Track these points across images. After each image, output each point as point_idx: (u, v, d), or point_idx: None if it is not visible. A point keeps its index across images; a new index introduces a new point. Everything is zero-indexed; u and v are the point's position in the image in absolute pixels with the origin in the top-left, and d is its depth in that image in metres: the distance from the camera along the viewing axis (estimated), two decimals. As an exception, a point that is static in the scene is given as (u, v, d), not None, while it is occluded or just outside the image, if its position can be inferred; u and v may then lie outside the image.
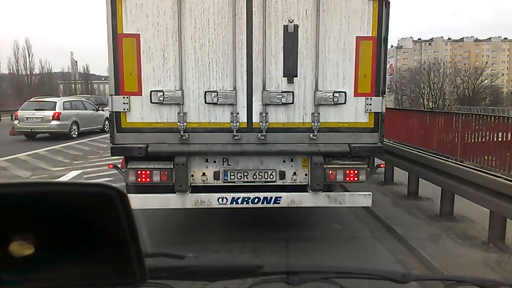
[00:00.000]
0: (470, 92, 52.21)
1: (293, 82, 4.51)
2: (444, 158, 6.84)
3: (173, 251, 1.06)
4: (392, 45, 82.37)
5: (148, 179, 4.58)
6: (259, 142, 4.57)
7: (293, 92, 4.51)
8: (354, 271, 1.21)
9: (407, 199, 7.04)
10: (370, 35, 4.47)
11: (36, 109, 16.04)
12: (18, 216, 0.71)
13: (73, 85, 48.64)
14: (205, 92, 4.47)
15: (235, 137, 4.56)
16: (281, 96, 4.51)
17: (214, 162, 4.72)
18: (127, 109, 4.48)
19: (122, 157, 4.69)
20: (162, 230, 5.14)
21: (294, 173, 4.77)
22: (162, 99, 4.44)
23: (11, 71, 55.04)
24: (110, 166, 4.95)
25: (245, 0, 4.38)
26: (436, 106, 50.59)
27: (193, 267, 1.15)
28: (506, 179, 4.89)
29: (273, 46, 4.45)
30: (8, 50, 68.38)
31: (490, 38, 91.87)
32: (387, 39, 4.53)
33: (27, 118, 15.80)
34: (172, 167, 4.56)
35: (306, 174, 4.76)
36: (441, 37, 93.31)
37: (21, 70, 54.93)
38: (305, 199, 4.73)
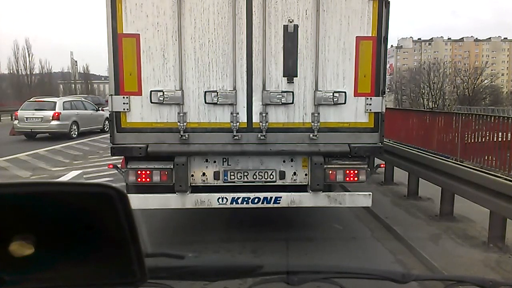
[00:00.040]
0: (470, 92, 52.22)
1: (293, 82, 4.51)
2: (444, 158, 6.84)
3: (173, 251, 1.06)
4: (392, 45, 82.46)
5: (148, 179, 4.58)
6: (259, 142, 4.57)
7: (293, 92, 4.51)
8: (354, 271, 1.21)
9: (407, 199, 7.04)
10: (370, 35, 4.47)
11: (36, 109, 16.04)
12: (18, 216, 0.71)
13: (73, 85, 48.65)
14: (205, 92, 4.47)
15: (235, 137, 4.56)
16: (281, 96, 4.51)
17: (214, 162, 4.72)
18: (127, 109, 4.48)
19: (122, 157, 4.69)
20: (162, 230, 5.14)
21: (294, 173, 4.77)
22: (162, 99, 4.44)
23: (11, 71, 55.10)
24: (110, 166, 4.95)
25: (245, 0, 4.38)
26: (436, 106, 50.60)
27: (193, 267, 1.15)
28: (506, 179, 4.89)
29: (273, 46, 4.45)
30: (8, 50, 68.39)
31: (490, 38, 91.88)
32: (387, 39, 4.53)
33: (27, 118, 15.80)
34: (172, 167, 4.56)
35: (306, 174, 4.76)
36: (441, 37, 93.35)
37: (21, 70, 54.98)
38: (305, 199, 4.73)
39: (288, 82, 4.51)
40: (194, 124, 4.54)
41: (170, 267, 1.07)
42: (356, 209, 6.06)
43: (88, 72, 66.92)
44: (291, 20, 4.40)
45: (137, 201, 4.39)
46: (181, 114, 4.49)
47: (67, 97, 19.88)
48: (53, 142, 14.59)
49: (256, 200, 4.63)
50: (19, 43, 72.31)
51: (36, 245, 0.70)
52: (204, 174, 4.73)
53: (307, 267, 1.28)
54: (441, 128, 10.74)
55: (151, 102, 4.45)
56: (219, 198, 4.62)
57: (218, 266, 1.26)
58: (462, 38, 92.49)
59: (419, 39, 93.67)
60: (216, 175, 4.72)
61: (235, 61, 4.45)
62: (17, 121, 16.07)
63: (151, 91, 4.43)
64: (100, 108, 18.84)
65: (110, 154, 4.66)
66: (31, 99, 17.96)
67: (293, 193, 4.70)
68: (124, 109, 4.47)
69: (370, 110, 4.60)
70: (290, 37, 4.42)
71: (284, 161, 4.75)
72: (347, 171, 4.66)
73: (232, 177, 4.72)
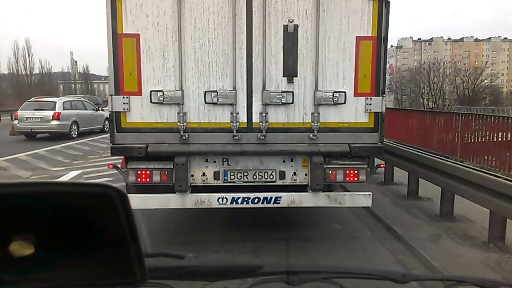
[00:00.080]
0: (470, 92, 52.24)
1: (293, 82, 4.51)
2: (444, 158, 6.84)
3: (173, 251, 1.06)
4: (392, 45, 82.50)
5: (148, 179, 4.58)
6: (259, 142, 4.57)
7: (293, 92, 4.51)
8: (354, 271, 1.20)
9: (407, 199, 7.04)
10: (370, 35, 4.47)
11: (36, 109, 16.04)
12: (18, 216, 0.71)
13: (73, 85, 48.65)
14: (205, 92, 4.47)
15: (235, 137, 4.56)
16: (281, 96, 4.51)
17: (214, 162, 4.72)
18: (127, 109, 4.47)
19: (122, 157, 4.69)
20: (162, 230, 5.14)
21: (294, 173, 4.77)
22: (162, 99, 4.44)
23: (11, 71, 55.14)
24: (110, 166, 4.95)
25: (245, 0, 4.38)
26: (436, 106, 50.62)
27: (193, 267, 1.15)
28: (506, 179, 4.89)
29: (273, 46, 4.45)
30: (8, 50, 68.46)
31: (490, 38, 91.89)
32: (387, 39, 4.53)
33: (27, 118, 15.80)
34: (172, 167, 4.56)
35: (306, 174, 4.76)
36: (441, 37, 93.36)
37: (21, 70, 55.02)
38: (305, 199, 4.73)
39: (288, 82, 4.51)
40: (194, 124, 4.54)
41: (170, 267, 1.07)
42: (356, 209, 6.06)
43: (88, 72, 67.03)
44: (291, 20, 4.40)
45: (137, 201, 4.39)
46: (181, 114, 4.49)
47: (67, 97, 19.86)
48: (53, 142, 14.59)
49: (256, 200, 4.63)
50: (19, 43, 72.55)
51: (36, 245, 0.70)
52: (204, 174, 4.73)
53: (307, 267, 1.28)
54: (441, 128, 10.74)
55: (151, 102, 4.45)
56: (219, 198, 4.62)
57: (218, 266, 1.26)
58: (462, 38, 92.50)
59: (419, 39, 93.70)
60: (216, 175, 4.72)
61: (235, 61, 4.45)
62: (17, 121, 16.07)
63: (151, 91, 4.43)
64: (100, 108, 18.83)
65: (110, 154, 4.66)
66: (31, 99, 17.96)
67: (293, 193, 4.70)
68: (124, 109, 4.47)
69: (370, 110, 4.60)
70: (290, 37, 4.42)
71: (284, 161, 4.75)
72: (347, 171, 4.66)
73: (232, 177, 4.72)
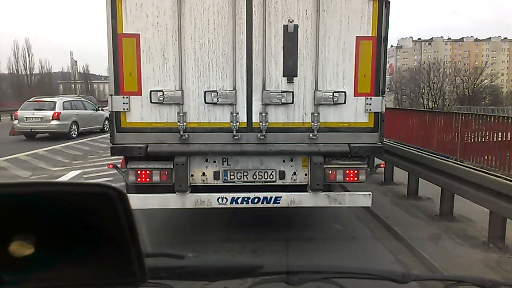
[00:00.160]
0: (470, 92, 52.24)
1: (293, 82, 4.51)
2: (444, 158, 6.84)
3: (173, 251, 1.06)
4: (392, 45, 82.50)
5: (148, 179, 4.58)
6: (259, 142, 4.57)
7: (293, 92, 4.51)
8: (354, 271, 1.20)
9: (407, 199, 7.04)
10: (370, 35, 4.47)
11: (35, 109, 16.04)
12: (18, 216, 0.70)
13: (73, 85, 48.62)
14: (205, 92, 4.47)
15: (235, 137, 4.56)
16: (281, 96, 4.51)
17: (214, 162, 4.72)
18: (127, 109, 4.47)
19: (122, 157, 4.69)
20: (162, 230, 5.14)
21: (294, 173, 4.77)
22: (162, 99, 4.44)
23: (11, 71, 55.13)
24: (110, 166, 4.94)
25: (245, 0, 4.38)
26: (436, 106, 50.62)
27: (193, 267, 1.15)
28: (506, 179, 4.89)
29: (273, 46, 4.45)
30: (8, 50, 68.43)
31: (490, 38, 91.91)
32: (387, 39, 4.53)
33: (26, 118, 15.80)
34: (172, 167, 4.56)
35: (306, 174, 4.76)
36: (441, 37, 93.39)
37: (21, 70, 55.01)
38: (305, 199, 4.73)
39: (288, 82, 4.51)
40: (194, 124, 4.54)
41: (170, 267, 1.07)
42: (356, 209, 6.06)
43: (88, 72, 66.99)
44: (291, 20, 4.40)
45: (137, 201, 4.39)
46: (181, 114, 4.49)
47: (67, 96, 19.85)
48: (53, 142, 14.59)
49: (256, 200, 4.63)
50: (19, 43, 72.55)
51: (36, 245, 0.70)
52: (204, 174, 4.73)
53: (307, 267, 1.28)
54: (441, 128, 10.74)
55: (151, 102, 4.45)
56: (219, 198, 4.62)
57: (218, 266, 1.26)
58: (462, 38, 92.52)
59: (419, 39, 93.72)
60: (216, 175, 4.72)
61: (235, 61, 4.45)
62: (17, 121, 16.07)
63: (151, 91, 4.43)
64: (100, 108, 18.84)
65: (110, 154, 4.66)
66: (31, 99, 17.95)
67: (293, 193, 4.70)
68: (124, 109, 4.47)
69: (370, 110, 4.60)
70: (290, 37, 4.42)
71: (284, 161, 4.75)
72: (347, 171, 4.66)
73: (232, 177, 4.72)
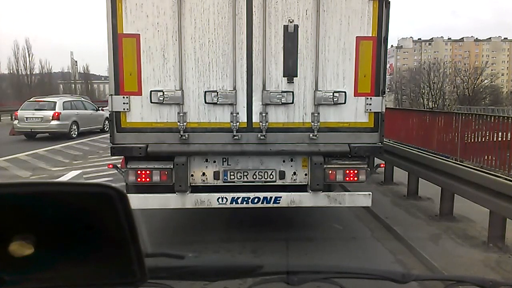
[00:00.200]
0: (470, 92, 52.24)
1: (293, 82, 4.51)
2: (444, 158, 6.84)
3: (173, 251, 1.06)
4: (392, 45, 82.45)
5: (148, 179, 4.58)
6: (259, 142, 4.57)
7: (293, 92, 4.51)
8: (354, 271, 1.20)
9: (407, 199, 7.04)
10: (370, 35, 4.47)
11: (36, 109, 16.05)
12: (18, 216, 0.71)
13: (73, 85, 48.64)
14: (205, 92, 4.47)
15: (235, 137, 4.56)
16: (281, 96, 4.51)
17: (214, 162, 4.72)
18: (127, 109, 4.48)
19: (122, 157, 4.69)
20: (162, 230, 5.14)
21: (294, 173, 4.77)
22: (162, 99, 4.44)
23: (11, 71, 55.07)
24: (110, 166, 4.94)
25: (245, 0, 4.38)
26: (436, 106, 50.62)
27: (193, 267, 1.15)
28: (506, 179, 4.89)
29: (273, 46, 4.45)
30: (8, 50, 68.35)
31: (490, 38, 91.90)
32: (387, 39, 4.53)
33: (27, 118, 15.81)
34: (172, 167, 4.56)
35: (306, 174, 4.76)
36: (441, 37, 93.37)
37: (21, 70, 54.95)
38: (305, 199, 4.73)
39: (288, 82, 4.51)
40: (194, 124, 4.54)
41: (170, 267, 1.07)
42: (356, 209, 6.06)
43: (88, 72, 66.90)
44: (291, 20, 4.40)
45: (137, 201, 4.39)
46: (181, 114, 4.49)
47: (67, 96, 19.86)
48: (53, 142, 14.60)
49: (256, 200, 4.63)
50: (19, 43, 72.36)
51: (36, 245, 0.70)
52: (204, 174, 4.73)
53: (307, 267, 1.28)
54: (441, 128, 10.74)
55: (151, 102, 4.45)
56: (219, 198, 4.62)
57: (218, 266, 1.26)
58: (462, 38, 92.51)
59: (419, 39, 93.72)
60: (216, 175, 4.72)
61: (235, 61, 4.45)
62: (17, 121, 16.07)
63: (151, 91, 4.43)
64: (100, 108, 18.84)
65: (110, 154, 4.66)
66: (31, 99, 17.95)
67: (293, 193, 4.70)
68: (124, 109, 4.47)
69: (370, 110, 4.60)
70: (290, 37, 4.42)
71: (284, 161, 4.75)
72: (347, 171, 4.66)
73: (232, 177, 4.72)
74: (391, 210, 6.47)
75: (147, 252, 0.85)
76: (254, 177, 4.72)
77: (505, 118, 9.33)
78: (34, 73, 57.12)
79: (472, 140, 9.68)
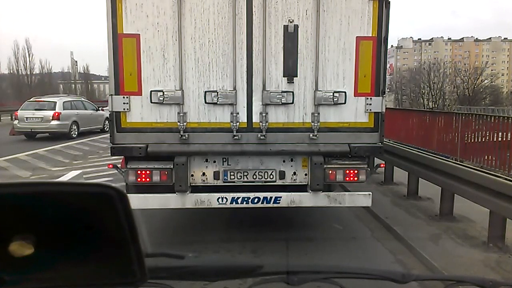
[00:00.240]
0: (470, 92, 52.24)
1: (293, 82, 4.51)
2: (444, 158, 6.84)
3: (173, 251, 1.06)
4: (392, 45, 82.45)
5: (148, 179, 4.58)
6: (259, 142, 4.57)
7: (293, 92, 4.51)
8: (354, 271, 1.20)
9: (407, 199, 7.04)
10: (370, 35, 4.47)
11: (36, 109, 16.05)
12: (18, 216, 0.70)
13: (73, 85, 48.63)
14: (205, 92, 4.47)
15: (235, 137, 4.56)
16: (281, 96, 4.51)
17: (214, 162, 4.72)
18: (127, 109, 4.48)
19: (122, 157, 4.69)
20: (162, 230, 5.14)
21: (294, 173, 4.77)
22: (162, 99, 4.44)
23: (11, 71, 55.05)
24: (110, 166, 4.94)
25: (245, 0, 4.38)
26: (436, 106, 50.63)
27: (193, 267, 1.15)
28: (506, 179, 4.89)
29: (273, 46, 4.45)
30: (8, 50, 68.33)
31: (490, 38, 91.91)
32: (387, 39, 4.53)
33: (27, 118, 15.81)
34: (172, 167, 4.56)
35: (306, 174, 4.76)
36: (441, 37, 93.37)
37: (21, 70, 54.92)
38: (305, 199, 4.73)
39: (288, 82, 4.51)
40: (194, 124, 4.54)
41: (170, 267, 1.07)
42: (356, 209, 6.06)
43: (88, 72, 66.82)
44: (291, 20, 4.40)
45: (137, 201, 4.39)
46: (181, 114, 4.49)
47: (66, 96, 19.85)
48: (53, 142, 14.60)
49: (256, 200, 4.63)
50: (19, 43, 72.37)
51: (36, 245, 0.70)
52: (204, 174, 4.73)
53: (307, 267, 1.28)
54: (441, 128, 10.74)
55: (151, 102, 4.45)
56: (219, 198, 4.62)
57: (218, 266, 1.26)
58: (462, 38, 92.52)
59: (419, 39, 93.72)
60: (216, 175, 4.72)
61: (235, 61, 4.45)
62: (17, 121, 16.08)
63: (151, 91, 4.43)
64: (100, 108, 18.84)
65: (110, 154, 4.66)
66: (31, 99, 17.95)
67: (293, 193, 4.70)
68: (124, 109, 4.47)
69: (370, 110, 4.60)
70: (290, 37, 4.42)
71: (284, 161, 4.75)
72: (347, 171, 4.66)
73: (232, 177, 4.72)
74: (391, 210, 6.47)
75: (147, 252, 0.85)
76: (254, 177, 4.72)
77: (505, 118, 9.33)
78: (34, 73, 57.16)
79: (472, 140, 9.68)
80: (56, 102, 16.56)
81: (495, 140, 8.94)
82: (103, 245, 0.75)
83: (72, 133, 16.32)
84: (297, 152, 4.68)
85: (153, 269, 0.92)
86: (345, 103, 4.54)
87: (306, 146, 4.62)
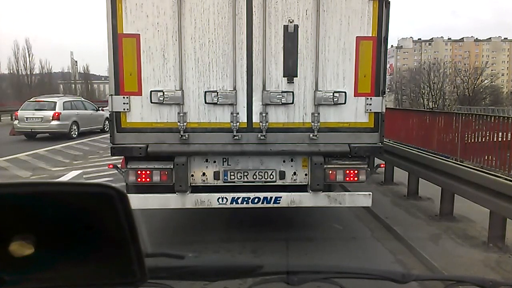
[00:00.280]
0: (470, 92, 52.25)
1: (293, 82, 4.51)
2: (444, 158, 6.84)
3: (173, 251, 1.06)
4: (392, 45, 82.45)
5: (148, 179, 4.58)
6: (259, 142, 4.57)
7: (293, 92, 4.51)
8: (354, 271, 1.20)
9: (407, 199, 7.04)
10: (370, 35, 4.47)
11: (36, 109, 16.04)
12: (18, 216, 0.71)
13: (73, 85, 48.61)
14: (205, 92, 4.47)
15: (235, 137, 4.56)
16: (281, 96, 4.51)
17: (214, 162, 4.72)
18: (127, 109, 4.48)
19: (122, 157, 4.69)
20: (162, 230, 5.14)
21: (294, 173, 4.77)
22: (162, 99, 4.44)
23: (11, 71, 55.02)
24: (110, 166, 4.95)
25: (245, 0, 4.38)
26: (436, 106, 50.63)
27: (193, 267, 1.15)
28: (506, 179, 4.89)
29: (273, 46, 4.45)
30: (8, 50, 68.24)
31: (490, 38, 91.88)
32: (387, 39, 4.53)
33: (27, 118, 15.81)
34: (172, 167, 4.56)
35: (306, 174, 4.76)
36: (441, 37, 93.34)
37: (21, 70, 54.89)
38: (305, 199, 4.73)
39: (288, 82, 4.51)
40: (194, 124, 4.54)
41: (170, 267, 1.07)
42: (356, 209, 6.06)
43: (88, 72, 66.75)
44: (291, 20, 4.40)
45: (137, 201, 4.39)
46: (181, 114, 4.49)
47: (67, 96, 19.85)
48: (53, 142, 14.60)
49: (256, 200, 4.63)
50: (19, 43, 72.23)
51: (36, 245, 0.70)
52: (204, 174, 4.73)
53: (307, 267, 1.28)
54: (441, 128, 10.74)
55: (151, 102, 4.45)
56: (219, 198, 4.62)
57: (218, 266, 1.26)
58: (462, 38, 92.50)
59: (419, 39, 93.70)
60: (216, 175, 4.72)
61: (235, 61, 4.45)
62: (17, 121, 16.07)
63: (151, 91, 4.43)
64: (100, 108, 18.84)
65: (110, 154, 4.66)
66: (31, 99, 17.94)
67: (293, 193, 4.70)
68: (124, 109, 4.47)
69: (370, 110, 4.60)
70: (290, 37, 4.42)
71: (284, 161, 4.75)
72: (347, 171, 4.66)
73: (232, 177, 4.72)
74: (391, 210, 6.47)
75: (147, 252, 0.85)
76: (254, 177, 4.72)
77: (505, 118, 9.33)
78: (34, 73, 57.10)
79: (472, 140, 9.68)
80: (56, 102, 16.56)
81: (495, 140, 8.94)
82: (103, 245, 0.75)
83: (72, 133, 16.32)
84: (297, 152, 4.68)
85: (153, 269, 0.92)
86: (345, 103, 4.54)
87: (306, 146, 4.62)
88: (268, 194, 4.65)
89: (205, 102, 4.49)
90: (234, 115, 4.53)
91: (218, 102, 4.49)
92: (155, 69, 4.43)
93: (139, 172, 4.56)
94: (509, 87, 79.65)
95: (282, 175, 4.75)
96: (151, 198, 4.64)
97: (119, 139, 4.53)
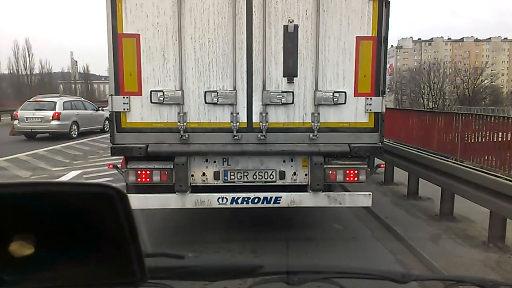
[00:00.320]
0: (470, 92, 52.26)
1: (293, 82, 4.51)
2: (444, 158, 6.84)
3: (173, 251, 1.06)
4: (392, 45, 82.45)
5: (148, 179, 4.58)
6: (259, 142, 4.57)
7: (293, 92, 4.51)
8: (354, 271, 1.20)
9: (407, 199, 7.04)
10: (370, 35, 4.47)
11: (36, 109, 16.04)
12: (18, 216, 0.71)
13: (73, 85, 48.61)
14: (205, 92, 4.47)
15: (235, 137, 4.56)
16: (281, 96, 4.51)
17: (214, 162, 4.72)
18: (127, 109, 4.48)
19: (122, 157, 4.69)
20: (162, 230, 5.14)
21: (294, 173, 4.77)
22: (162, 99, 4.44)
23: (11, 71, 55.02)
24: (110, 166, 4.95)
25: (245, 0, 4.38)
26: (436, 106, 50.64)
27: (193, 267, 1.15)
28: (506, 179, 4.89)
29: (273, 46, 4.45)
30: (8, 50, 68.24)
31: (490, 38, 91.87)
32: (387, 39, 4.53)
33: (27, 118, 15.80)
34: (172, 167, 4.56)
35: (306, 174, 4.76)
36: (441, 37, 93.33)
37: (21, 70, 54.89)
38: (305, 199, 4.73)
39: (288, 82, 4.51)
40: (194, 124, 4.54)
41: (170, 267, 1.07)
42: (356, 209, 6.06)
43: (88, 72, 66.77)
44: (291, 20, 4.40)
45: (137, 201, 4.39)
46: (181, 114, 4.49)
47: (67, 96, 19.84)
48: (53, 142, 14.59)
49: (256, 200, 4.63)
50: (19, 43, 72.21)
51: (36, 245, 0.70)
52: (204, 174, 4.73)
53: (307, 267, 1.28)
54: (441, 128, 10.74)
55: (151, 102, 4.45)
56: (219, 198, 4.62)
57: (218, 266, 1.26)
58: (462, 38, 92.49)
59: (419, 39, 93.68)
60: (216, 175, 4.72)
61: (235, 61, 4.45)
62: (17, 121, 16.07)
63: (151, 91, 4.43)
64: (100, 108, 18.84)
65: (110, 154, 4.66)
66: (31, 99, 17.94)
67: (293, 193, 4.70)
68: (124, 109, 4.47)
69: (370, 110, 4.60)
70: (290, 37, 4.42)
71: (284, 161, 4.75)
72: (347, 171, 4.66)
73: (232, 177, 4.72)
74: (391, 210, 6.47)
75: (147, 252, 0.85)
76: (254, 177, 4.72)
77: (505, 118, 9.33)
78: (34, 73, 57.11)
79: (472, 140, 9.68)
80: (56, 102, 16.55)
81: (495, 140, 8.94)
82: (103, 245, 0.75)
83: (72, 133, 16.32)
84: (297, 152, 4.68)
85: (153, 269, 0.92)
86: (345, 103, 4.54)
87: (306, 146, 4.62)
88: (268, 194, 4.65)
89: (205, 102, 4.49)
90: (234, 115, 4.53)
91: (218, 102, 4.49)
92: (155, 69, 4.43)
93: (139, 172, 4.56)
94: (509, 87, 79.65)
95: (282, 175, 4.75)
96: (151, 198, 4.64)
97: (119, 139, 4.53)
